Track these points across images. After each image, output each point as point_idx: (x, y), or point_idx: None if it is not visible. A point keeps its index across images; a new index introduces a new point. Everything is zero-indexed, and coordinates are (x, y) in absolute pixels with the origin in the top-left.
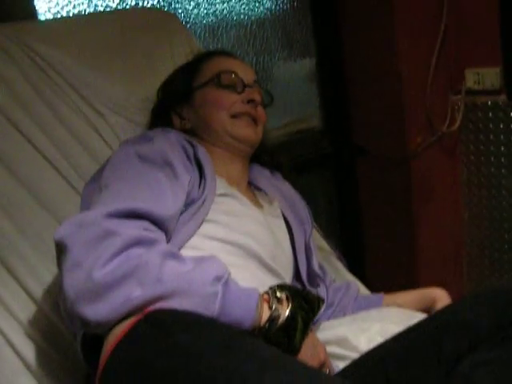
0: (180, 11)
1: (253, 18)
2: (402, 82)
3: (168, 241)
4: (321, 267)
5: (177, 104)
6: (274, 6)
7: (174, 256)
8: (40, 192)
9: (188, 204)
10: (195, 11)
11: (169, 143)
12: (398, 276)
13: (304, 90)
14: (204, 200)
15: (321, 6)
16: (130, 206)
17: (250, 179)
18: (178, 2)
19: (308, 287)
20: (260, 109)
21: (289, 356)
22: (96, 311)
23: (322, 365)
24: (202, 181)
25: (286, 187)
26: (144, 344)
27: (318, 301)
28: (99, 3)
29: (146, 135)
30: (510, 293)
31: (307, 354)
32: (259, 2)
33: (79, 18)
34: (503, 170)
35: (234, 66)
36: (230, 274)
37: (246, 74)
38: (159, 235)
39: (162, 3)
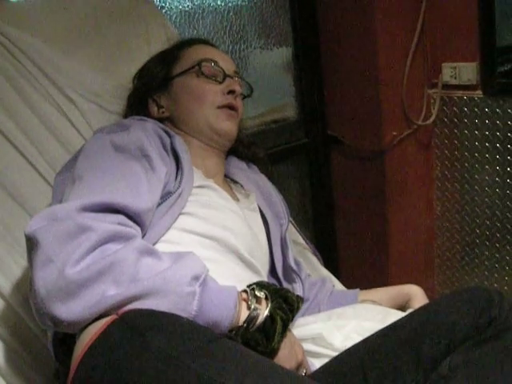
0: None
1: (230, 4)
2: (379, 74)
3: (144, 235)
4: (296, 262)
5: (154, 92)
6: None
7: (151, 252)
8: (7, 181)
9: (164, 196)
10: None
11: (145, 133)
12: (369, 266)
13: (280, 80)
14: (181, 192)
15: None
16: (105, 199)
17: (226, 172)
18: None
19: (283, 282)
20: (239, 100)
21: (269, 363)
22: (68, 310)
23: (300, 365)
24: (179, 172)
25: (263, 180)
26: (118, 347)
27: (298, 300)
28: None
29: (121, 124)
30: (486, 293)
31: (285, 354)
32: None
33: (52, 0)
34: (477, 165)
35: (214, 56)
36: (207, 272)
37: (227, 64)
38: (135, 230)
39: None
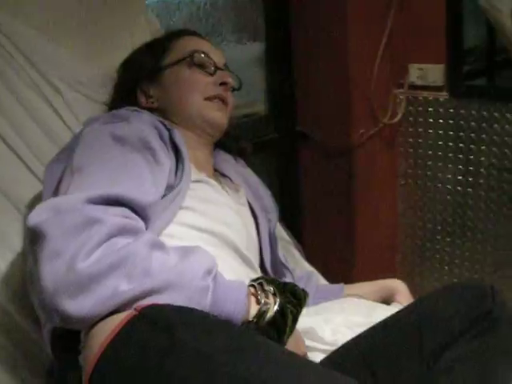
0: None
1: None
2: (349, 72)
3: (146, 229)
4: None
5: (143, 82)
6: None
7: (160, 246)
8: None
9: (165, 190)
10: None
11: (145, 124)
12: (336, 262)
13: (251, 75)
14: (182, 187)
15: None
16: (111, 192)
17: (214, 166)
18: None
19: (273, 277)
20: (229, 93)
21: (298, 356)
22: (79, 305)
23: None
24: (180, 166)
25: (250, 174)
26: (144, 343)
27: (304, 295)
28: None
29: (118, 114)
30: (479, 287)
31: (292, 347)
32: None
33: None
34: (439, 164)
35: (205, 47)
36: (217, 266)
37: (217, 57)
38: (141, 224)
39: None
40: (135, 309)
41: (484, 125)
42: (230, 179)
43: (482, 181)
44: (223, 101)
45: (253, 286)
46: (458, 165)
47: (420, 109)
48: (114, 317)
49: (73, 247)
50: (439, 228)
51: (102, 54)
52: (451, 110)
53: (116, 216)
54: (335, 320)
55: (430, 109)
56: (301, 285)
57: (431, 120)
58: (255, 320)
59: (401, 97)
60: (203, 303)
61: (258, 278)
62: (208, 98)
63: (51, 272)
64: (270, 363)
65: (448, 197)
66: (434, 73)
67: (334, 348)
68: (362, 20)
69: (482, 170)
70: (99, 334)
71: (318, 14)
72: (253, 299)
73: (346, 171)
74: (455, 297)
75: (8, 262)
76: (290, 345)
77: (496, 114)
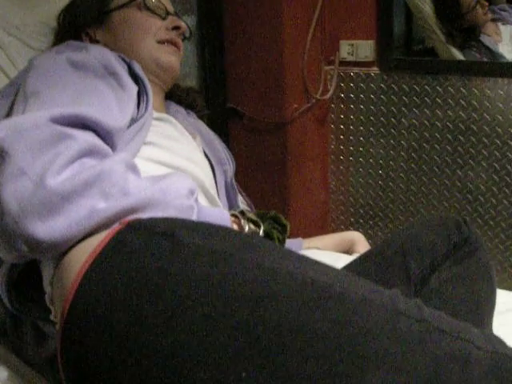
0: None
1: None
2: (281, 48)
3: None
4: None
5: (88, 26)
6: None
7: (135, 169)
8: None
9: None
10: None
11: (105, 51)
12: None
13: (182, 49)
14: (145, 120)
15: None
16: (77, 111)
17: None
18: None
19: None
20: (180, 40)
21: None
22: (50, 227)
23: None
24: (143, 98)
25: (203, 126)
26: (141, 250)
27: (287, 222)
28: None
29: (73, 43)
30: (453, 218)
31: None
32: None
33: None
34: (371, 139)
35: None
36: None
37: (167, 3)
38: (109, 149)
39: None
40: (120, 223)
41: (415, 99)
42: (184, 128)
43: (413, 155)
44: (176, 45)
45: (233, 215)
46: (389, 140)
47: (351, 85)
48: (92, 237)
49: (40, 163)
50: (371, 204)
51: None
52: (382, 85)
53: (85, 135)
54: None
55: (362, 84)
56: None
57: (362, 96)
58: None
59: (331, 73)
60: None
61: (236, 209)
62: (161, 42)
63: (15, 191)
64: (293, 258)
65: (380, 171)
66: (364, 48)
67: None
68: None
69: (413, 144)
70: (78, 256)
71: None
72: (236, 227)
73: (280, 147)
74: (434, 225)
75: None
76: None
77: (427, 88)
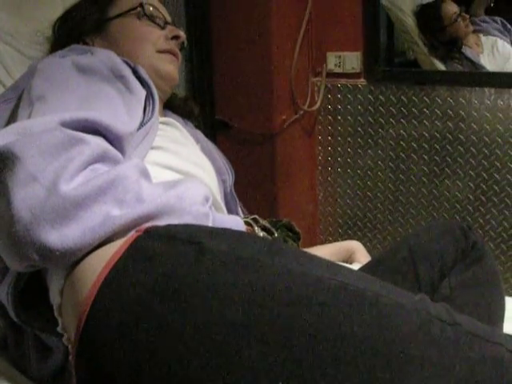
0: None
1: None
2: (269, 60)
3: None
4: None
5: (86, 35)
6: None
7: (148, 176)
8: None
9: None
10: None
11: (111, 54)
12: None
13: None
14: (153, 123)
15: None
16: (87, 115)
17: None
18: None
19: None
20: (178, 49)
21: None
22: (63, 235)
23: None
24: (149, 102)
25: (201, 135)
26: (164, 256)
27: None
28: None
29: (77, 47)
30: (457, 223)
31: None
32: None
33: None
34: (359, 150)
35: (153, 1)
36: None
37: (166, 12)
38: (120, 155)
39: None
40: (137, 231)
41: (402, 109)
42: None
43: (401, 165)
44: (175, 55)
45: (246, 222)
46: (377, 150)
47: (338, 96)
48: (107, 245)
49: (52, 169)
50: (360, 214)
51: (31, 9)
52: (369, 96)
53: (97, 139)
54: None
55: (349, 95)
56: None
57: (349, 107)
58: None
59: (319, 84)
60: None
61: (248, 216)
62: (160, 51)
63: (27, 198)
64: (320, 262)
65: (368, 183)
66: (351, 60)
67: None
68: (281, 9)
69: (401, 154)
70: (93, 265)
71: (240, 2)
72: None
73: (269, 159)
74: (442, 231)
75: None
76: None
77: (414, 98)
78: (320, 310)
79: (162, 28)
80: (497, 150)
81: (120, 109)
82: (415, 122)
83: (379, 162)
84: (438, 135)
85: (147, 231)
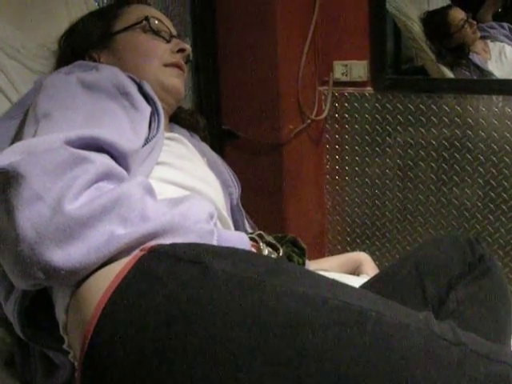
0: None
1: None
2: (276, 70)
3: None
4: None
5: (92, 49)
6: None
7: (152, 193)
8: None
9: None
10: None
11: (116, 71)
12: None
13: None
14: (158, 139)
15: None
16: (92, 133)
17: None
18: None
19: None
20: (184, 62)
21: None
22: (68, 254)
23: None
24: (154, 118)
25: (207, 148)
26: (168, 276)
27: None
28: None
29: (82, 63)
30: (464, 236)
31: None
32: None
33: None
34: (367, 159)
35: (158, 15)
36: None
37: (171, 26)
38: (125, 172)
39: None
40: (141, 250)
41: (410, 117)
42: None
43: (409, 173)
44: (180, 68)
45: (252, 238)
46: (385, 159)
47: (346, 105)
48: (112, 264)
49: (57, 188)
50: (368, 223)
51: (37, 24)
52: (376, 105)
53: (101, 157)
54: None
55: (356, 104)
56: None
57: (357, 116)
58: None
59: (326, 93)
60: None
61: (253, 232)
62: (167, 65)
63: (32, 217)
64: (324, 281)
65: (376, 191)
66: (358, 69)
67: None
68: (288, 18)
69: (409, 162)
70: (97, 283)
71: (246, 12)
72: (254, 250)
73: (277, 168)
74: (448, 244)
75: None
76: None
77: (421, 106)
78: (323, 331)
79: (168, 41)
80: (505, 157)
81: (125, 126)
82: (423, 130)
83: (387, 171)
84: (445, 143)
85: (151, 250)
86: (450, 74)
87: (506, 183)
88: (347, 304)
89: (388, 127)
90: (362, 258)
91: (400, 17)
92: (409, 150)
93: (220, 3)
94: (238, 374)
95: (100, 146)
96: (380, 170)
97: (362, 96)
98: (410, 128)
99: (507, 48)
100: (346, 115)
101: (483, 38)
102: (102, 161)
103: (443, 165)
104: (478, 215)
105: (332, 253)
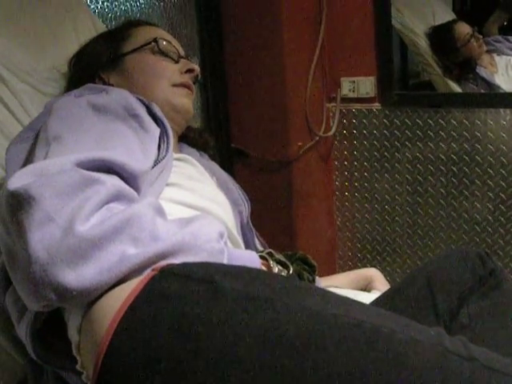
0: None
1: (140, 8)
2: (284, 88)
3: None
4: None
5: (101, 70)
6: None
7: (163, 214)
8: None
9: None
10: None
11: (126, 93)
12: None
13: None
14: (167, 160)
15: (206, 5)
16: (102, 155)
17: None
18: None
19: None
20: (192, 82)
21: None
22: (80, 275)
23: None
24: (163, 139)
25: (216, 167)
26: (179, 296)
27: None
28: None
29: (92, 86)
30: (474, 251)
31: None
32: None
33: None
34: (376, 175)
35: (167, 36)
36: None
37: (179, 46)
38: (135, 193)
39: None
40: (153, 269)
41: (418, 132)
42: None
43: (419, 188)
44: (189, 88)
45: (262, 257)
46: (394, 174)
47: (354, 121)
48: (124, 284)
49: (68, 209)
50: (379, 239)
51: (46, 46)
52: (384, 120)
53: (112, 179)
54: None
55: (364, 120)
56: None
57: (365, 132)
58: None
59: (333, 110)
60: None
61: (263, 250)
62: (175, 85)
63: (43, 239)
64: (335, 299)
65: (386, 207)
66: (365, 85)
67: None
68: (295, 36)
69: (418, 177)
70: (110, 304)
71: (253, 31)
72: (264, 269)
73: (286, 185)
74: (459, 258)
75: None
76: None
77: (429, 121)
78: (334, 349)
79: (176, 62)
80: None
81: (135, 147)
82: (431, 145)
83: (396, 186)
84: (454, 157)
85: (163, 270)
86: (457, 89)
87: None
88: (359, 321)
89: (396, 142)
90: (373, 273)
91: (406, 32)
92: (418, 165)
93: (227, 23)
94: None
95: (110, 168)
96: (389, 186)
97: (370, 112)
98: (418, 143)
99: None
100: (355, 131)
101: (489, 51)
102: (113, 182)
103: (452, 179)
104: (489, 229)
105: (343, 269)
